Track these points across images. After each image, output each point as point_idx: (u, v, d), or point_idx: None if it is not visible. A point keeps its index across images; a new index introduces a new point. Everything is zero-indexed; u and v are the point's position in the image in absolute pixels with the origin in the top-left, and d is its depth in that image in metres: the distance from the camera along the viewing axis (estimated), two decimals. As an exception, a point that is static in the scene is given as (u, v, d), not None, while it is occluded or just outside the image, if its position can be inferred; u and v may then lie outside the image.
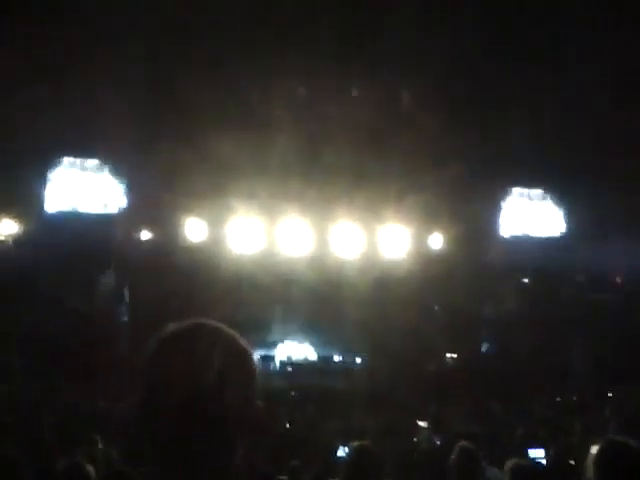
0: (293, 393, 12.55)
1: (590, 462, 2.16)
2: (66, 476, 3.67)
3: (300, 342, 15.14)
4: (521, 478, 2.33)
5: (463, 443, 3.81)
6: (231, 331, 1.17)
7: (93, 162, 14.37)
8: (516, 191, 15.44)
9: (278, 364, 14.51)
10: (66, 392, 9.74)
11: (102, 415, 7.58)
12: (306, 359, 14.86)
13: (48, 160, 13.92)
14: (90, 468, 3.73)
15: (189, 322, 1.16)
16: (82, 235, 13.08)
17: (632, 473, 2.09)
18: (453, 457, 3.74)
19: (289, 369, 14.40)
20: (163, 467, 1.06)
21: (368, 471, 3.37)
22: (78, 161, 14.32)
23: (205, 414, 1.04)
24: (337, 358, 15.04)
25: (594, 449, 2.17)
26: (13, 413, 6.91)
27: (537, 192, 15.52)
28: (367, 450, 3.50)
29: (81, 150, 14.17)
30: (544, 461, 6.25)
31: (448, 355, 14.89)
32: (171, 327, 1.14)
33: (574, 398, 11.38)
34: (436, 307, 14.53)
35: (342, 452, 4.72)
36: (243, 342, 1.16)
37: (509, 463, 3.51)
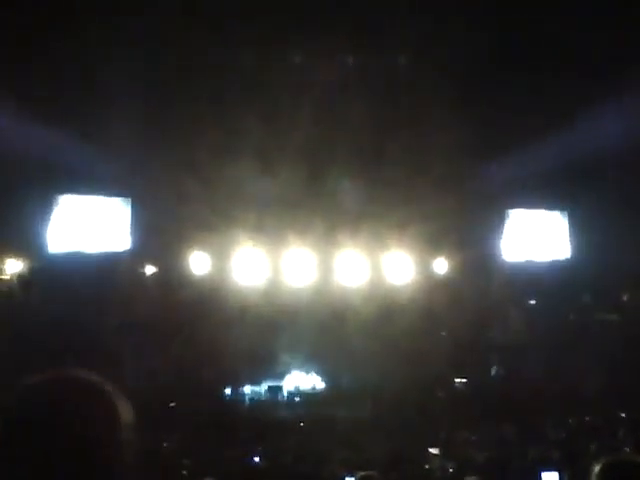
0: (302, 423, 12.42)
1: (594, 477, 2.13)
2: None
3: (307, 372, 15.04)
4: None
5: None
6: (90, 377, 1.18)
7: (96, 199, 14.34)
8: (517, 213, 15.40)
9: (286, 394, 14.38)
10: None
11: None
12: (314, 388, 14.74)
13: (49, 198, 13.90)
14: None
15: (51, 372, 1.17)
16: (85, 275, 13.03)
17: None
18: None
19: (297, 399, 14.26)
20: None
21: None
22: (79, 199, 14.24)
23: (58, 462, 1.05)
24: (345, 387, 14.90)
25: (597, 466, 2.14)
26: None
27: (539, 213, 15.50)
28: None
29: (83, 187, 14.14)
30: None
31: (457, 380, 14.74)
32: (35, 377, 1.16)
33: (587, 419, 11.23)
34: (443, 333, 14.42)
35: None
36: (101, 386, 1.17)
37: None
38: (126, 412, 1.16)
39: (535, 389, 13.15)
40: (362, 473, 3.60)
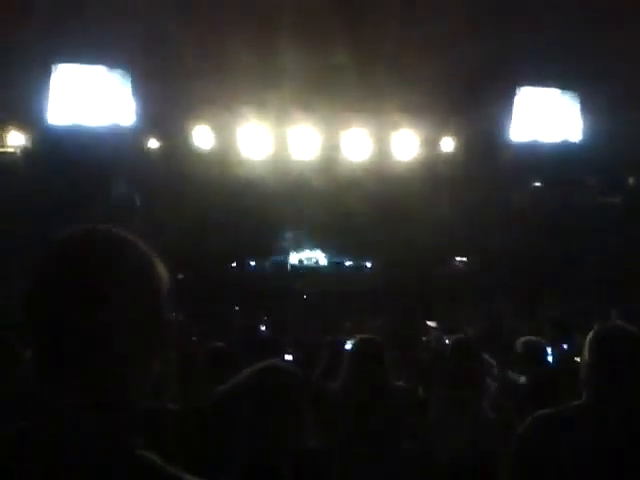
0: (305, 296, 12.84)
1: (586, 345, 2.20)
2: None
3: (311, 248, 15.36)
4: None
5: (459, 336, 3.87)
6: (126, 235, 1.09)
7: (99, 69, 13.87)
8: (528, 90, 14.92)
9: (290, 269, 14.78)
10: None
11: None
12: (317, 263, 15.13)
13: (49, 67, 13.49)
14: None
15: (82, 227, 1.09)
16: (89, 147, 12.90)
17: (624, 354, 2.13)
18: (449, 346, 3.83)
19: (300, 273, 14.67)
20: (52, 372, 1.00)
21: (371, 360, 3.50)
22: (81, 68, 13.80)
23: (93, 315, 0.99)
24: (348, 262, 15.28)
25: (591, 333, 2.20)
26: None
27: (550, 91, 15.03)
28: (370, 341, 3.61)
29: (85, 56, 13.67)
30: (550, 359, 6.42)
31: (457, 259, 15.06)
32: (65, 232, 1.09)
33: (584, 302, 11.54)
34: (445, 210, 14.51)
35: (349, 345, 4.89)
36: (141, 246, 1.09)
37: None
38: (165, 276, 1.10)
39: (533, 269, 13.45)
40: (363, 335, 3.76)
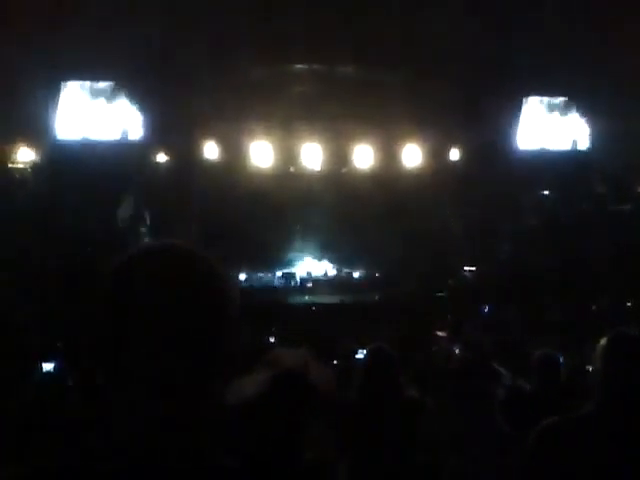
0: (313, 308, 12.83)
1: (597, 352, 2.19)
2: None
3: (319, 259, 15.37)
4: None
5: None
6: (201, 252, 1.08)
7: (106, 85, 13.98)
8: (534, 100, 14.93)
9: (299, 280, 14.77)
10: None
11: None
12: (325, 275, 15.12)
13: (58, 84, 13.62)
14: None
15: (159, 241, 1.09)
16: (98, 162, 12.98)
17: (635, 361, 2.12)
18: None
19: (309, 285, 14.66)
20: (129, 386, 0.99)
21: (384, 370, 3.49)
22: (88, 84, 13.92)
23: (172, 337, 0.98)
24: (356, 274, 15.27)
25: (602, 340, 2.19)
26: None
27: (559, 100, 15.02)
28: (383, 350, 3.61)
29: (93, 72, 13.79)
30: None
31: (466, 268, 15.01)
32: (142, 246, 1.09)
33: (593, 307, 11.49)
34: (454, 221, 14.50)
35: (361, 355, 4.88)
36: (215, 262, 1.08)
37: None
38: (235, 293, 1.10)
39: (543, 276, 13.38)
40: (372, 345, 3.75)
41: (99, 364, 1.03)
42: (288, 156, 14.16)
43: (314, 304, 13.21)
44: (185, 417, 1.00)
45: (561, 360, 6.22)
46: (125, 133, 13.97)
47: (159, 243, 1.09)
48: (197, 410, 1.02)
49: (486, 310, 12.03)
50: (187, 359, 0.99)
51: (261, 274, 14.97)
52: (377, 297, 13.72)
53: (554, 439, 2.13)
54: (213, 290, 1.04)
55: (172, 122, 13.38)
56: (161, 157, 14.45)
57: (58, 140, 13.72)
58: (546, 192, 15.81)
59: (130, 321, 0.99)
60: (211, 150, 14.01)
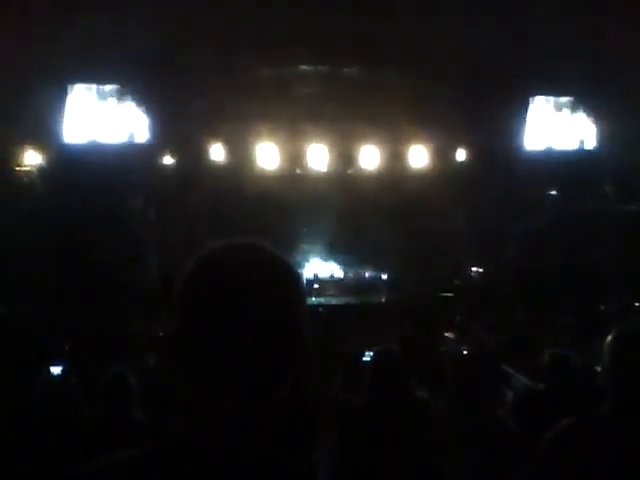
0: (321, 309, 12.82)
1: (604, 351, 2.18)
2: (109, 386, 3.81)
3: (326, 261, 15.36)
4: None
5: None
6: (274, 249, 1.09)
7: (113, 88, 13.99)
8: (541, 100, 14.86)
9: (305, 282, 14.76)
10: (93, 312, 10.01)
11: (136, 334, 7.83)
12: (332, 276, 15.11)
13: (64, 86, 13.65)
14: (133, 380, 3.85)
15: (232, 240, 1.08)
16: (104, 164, 13.02)
17: None
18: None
19: (316, 286, 14.65)
20: (205, 390, 0.99)
21: (393, 371, 3.47)
22: (95, 87, 13.95)
23: (254, 335, 0.97)
24: (363, 275, 15.25)
25: (608, 339, 2.17)
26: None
27: (565, 100, 14.95)
28: (392, 351, 3.59)
29: (100, 76, 13.82)
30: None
31: (474, 269, 14.97)
32: (212, 245, 1.07)
33: (602, 308, 11.43)
34: (461, 221, 14.46)
35: (368, 357, 4.87)
36: (290, 260, 1.09)
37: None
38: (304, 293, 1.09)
39: (551, 277, 13.33)
40: (380, 347, 3.73)
41: (180, 363, 1.01)
42: (294, 157, 14.16)
43: (321, 305, 13.19)
44: (262, 417, 1.00)
45: (572, 359, 6.20)
46: (131, 136, 13.99)
47: (238, 241, 1.08)
48: (271, 410, 1.02)
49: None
50: (268, 358, 0.98)
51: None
52: (384, 298, 13.70)
53: (570, 440, 2.12)
54: (292, 289, 1.04)
55: (178, 124, 13.41)
56: (167, 159, 14.49)
57: (65, 143, 13.75)
58: (553, 192, 15.77)
59: (213, 317, 0.97)
60: (217, 152, 14.03)
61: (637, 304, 11.26)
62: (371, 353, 3.84)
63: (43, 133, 13.55)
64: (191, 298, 1.00)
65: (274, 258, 1.06)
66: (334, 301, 13.54)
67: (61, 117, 13.61)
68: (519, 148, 14.61)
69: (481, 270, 14.97)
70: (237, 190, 13.82)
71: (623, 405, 2.07)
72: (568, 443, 2.10)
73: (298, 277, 1.07)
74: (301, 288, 1.07)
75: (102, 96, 13.95)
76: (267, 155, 13.92)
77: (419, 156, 14.17)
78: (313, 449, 3.63)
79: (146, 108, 13.88)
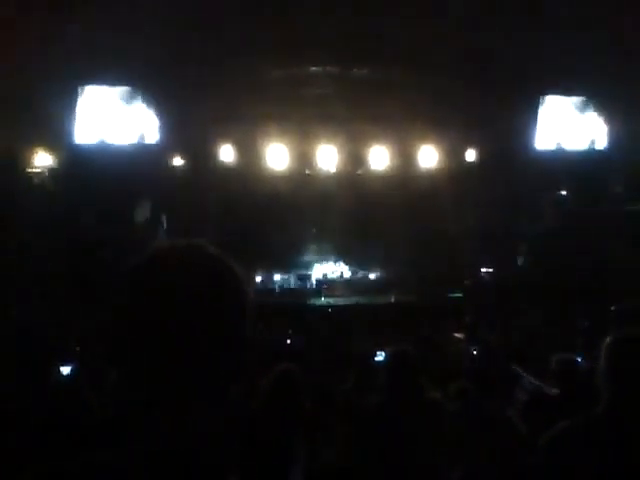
0: (330, 309, 12.82)
1: (602, 353, 2.17)
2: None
3: (335, 261, 15.37)
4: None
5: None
6: (219, 252, 1.08)
7: (123, 89, 14.07)
8: (551, 99, 14.79)
9: (314, 282, 14.77)
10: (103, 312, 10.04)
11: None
12: (341, 276, 15.10)
13: (76, 88, 13.74)
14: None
15: (178, 241, 1.08)
16: (115, 166, 13.07)
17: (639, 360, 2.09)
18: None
19: (325, 287, 14.65)
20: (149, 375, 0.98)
21: (407, 372, 3.46)
22: (106, 89, 14.02)
23: (187, 336, 0.97)
24: (372, 275, 15.24)
25: (607, 340, 2.17)
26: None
27: (576, 99, 14.86)
28: (406, 352, 3.58)
29: (110, 77, 13.89)
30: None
31: (483, 270, 14.92)
32: (162, 244, 1.08)
33: (612, 308, 11.32)
34: (471, 222, 14.42)
35: (380, 357, 4.85)
36: (233, 262, 1.08)
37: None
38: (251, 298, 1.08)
39: (562, 278, 13.26)
40: (395, 347, 3.71)
41: (116, 364, 1.02)
42: (303, 158, 14.17)
43: (330, 306, 13.19)
44: (203, 419, 0.98)
45: (580, 363, 6.16)
46: (142, 137, 14.04)
47: (178, 242, 1.07)
48: (215, 412, 1.00)
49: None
50: (205, 359, 0.98)
51: (277, 276, 14.99)
52: (393, 299, 13.67)
53: (564, 442, 2.12)
54: (231, 289, 1.03)
55: (188, 125, 13.46)
56: (177, 160, 14.54)
57: (75, 144, 13.82)
58: (563, 192, 15.69)
59: (149, 318, 0.97)
60: (227, 153, 14.07)
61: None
62: (382, 353, 3.82)
63: (54, 134, 13.64)
64: (128, 297, 1.01)
65: (215, 259, 1.06)
66: (343, 301, 13.53)
67: (72, 118, 13.69)
68: (530, 148, 14.53)
69: (491, 270, 14.92)
70: (247, 191, 13.85)
71: (618, 406, 2.07)
72: (564, 444, 2.11)
73: (239, 279, 1.06)
74: (240, 290, 1.06)
75: (113, 98, 14.03)
76: (277, 156, 13.94)
77: (429, 156, 14.15)
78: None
79: (156, 109, 13.93)
